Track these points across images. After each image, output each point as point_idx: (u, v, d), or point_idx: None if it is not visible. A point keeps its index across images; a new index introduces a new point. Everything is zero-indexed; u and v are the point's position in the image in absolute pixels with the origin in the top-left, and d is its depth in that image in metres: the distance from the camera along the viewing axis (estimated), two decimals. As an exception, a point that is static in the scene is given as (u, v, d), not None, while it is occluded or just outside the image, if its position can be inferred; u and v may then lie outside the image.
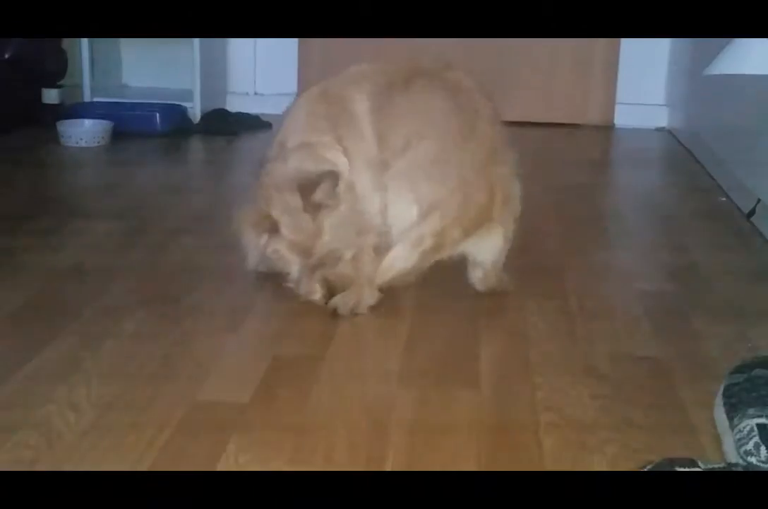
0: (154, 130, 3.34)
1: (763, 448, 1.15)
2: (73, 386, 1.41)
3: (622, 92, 3.75)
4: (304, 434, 1.30)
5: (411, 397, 1.41)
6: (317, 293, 1.71)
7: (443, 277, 1.91)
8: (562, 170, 3.07)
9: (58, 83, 3.43)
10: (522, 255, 1.90)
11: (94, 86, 3.57)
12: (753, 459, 1.15)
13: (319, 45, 3.76)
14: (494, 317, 1.75)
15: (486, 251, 1.79)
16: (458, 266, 1.81)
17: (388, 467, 1.21)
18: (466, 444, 1.27)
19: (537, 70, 3.75)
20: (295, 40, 3.76)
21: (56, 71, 3.44)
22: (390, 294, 1.82)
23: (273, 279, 1.84)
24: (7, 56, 3.18)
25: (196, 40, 3.49)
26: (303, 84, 3.82)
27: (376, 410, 1.37)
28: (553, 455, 1.25)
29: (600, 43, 3.70)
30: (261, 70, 3.87)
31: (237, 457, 1.23)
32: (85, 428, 1.29)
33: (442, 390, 1.44)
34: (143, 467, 1.19)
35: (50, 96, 3.38)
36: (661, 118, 3.72)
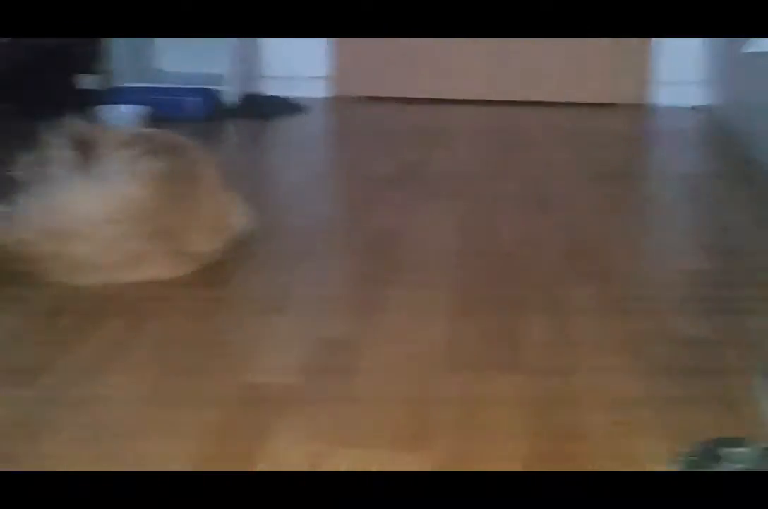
0: (189, 114, 3.35)
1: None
2: (126, 371, 1.43)
3: (659, 70, 3.71)
4: (350, 415, 1.30)
5: (455, 378, 1.41)
6: None
7: (487, 262, 1.92)
8: (599, 150, 3.05)
9: (94, 69, 3.45)
10: (564, 236, 1.90)
11: (130, 72, 3.58)
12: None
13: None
14: (536, 295, 1.75)
15: None
16: (504, 249, 1.81)
17: (432, 451, 1.21)
18: (509, 424, 1.28)
19: (571, 48, 3.72)
20: (328, 22, 3.75)
21: (92, 57, 3.46)
22: (431, 277, 1.83)
23: (313, 258, 1.85)
24: (43, 43, 3.20)
25: (229, 24, 3.48)
26: (336, 68, 3.82)
27: (420, 392, 1.38)
28: (597, 436, 1.25)
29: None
30: (294, 53, 3.86)
31: (284, 438, 1.24)
32: (137, 412, 1.31)
33: (485, 370, 1.44)
34: (195, 453, 1.21)
35: (86, 82, 3.40)
36: (698, 97, 3.68)
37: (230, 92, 3.56)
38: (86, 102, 3.26)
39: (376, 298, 1.73)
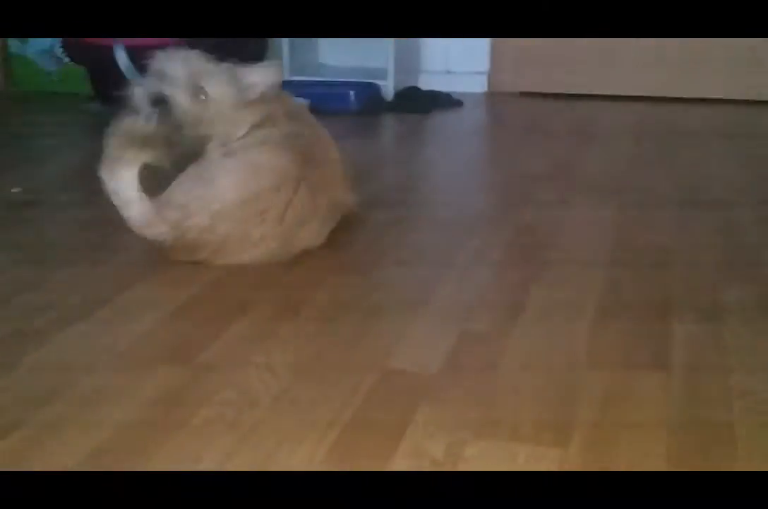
0: (348, 107, 3.42)
1: None
2: (270, 351, 1.48)
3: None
4: (491, 408, 1.31)
5: (599, 378, 1.40)
6: None
7: (638, 260, 1.89)
8: (762, 149, 2.94)
9: (259, 63, 3.56)
10: (722, 238, 1.84)
11: (293, 65, 3.69)
12: None
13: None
14: (687, 295, 1.71)
15: None
16: (657, 249, 1.77)
17: (573, 447, 1.21)
18: (655, 425, 1.25)
19: (733, 43, 3.59)
20: (489, 17, 3.75)
21: (257, 51, 3.57)
22: (581, 273, 1.81)
23: (462, 251, 1.87)
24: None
25: (391, 19, 3.54)
26: (495, 63, 3.82)
27: (562, 389, 1.37)
28: (748, 442, 1.21)
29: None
30: (454, 48, 3.88)
31: (425, 426, 1.25)
32: (281, 390, 1.35)
33: (630, 371, 1.42)
34: (334, 432, 1.24)
35: (251, 75, 3.50)
36: None
37: (390, 86, 3.61)
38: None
39: (523, 294, 1.72)
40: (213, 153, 1.85)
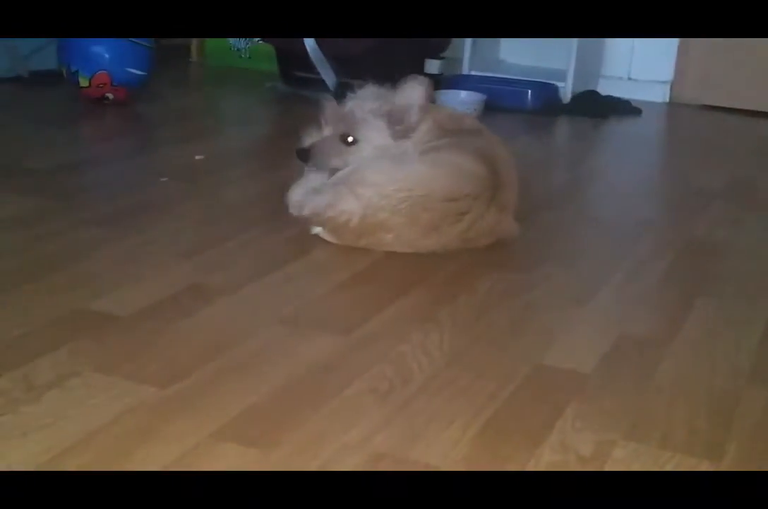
0: (524, 106, 3.41)
1: None
2: (427, 332, 1.51)
3: None
4: (643, 412, 1.29)
5: (759, 394, 1.36)
6: None
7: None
8: None
9: (441, 55, 3.59)
10: None
11: (473, 60, 3.70)
12: None
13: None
14: None
15: None
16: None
17: (726, 461, 1.18)
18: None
19: None
20: (679, 27, 3.66)
21: (440, 44, 3.60)
22: (748, 288, 1.76)
23: (626, 257, 1.85)
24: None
25: (578, 21, 3.51)
26: (680, 73, 3.72)
27: (720, 401, 1.34)
28: None
29: None
30: (638, 55, 3.81)
31: (574, 422, 1.25)
32: (434, 372, 1.38)
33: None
34: (483, 417, 1.25)
35: (432, 67, 3.54)
36: None
37: (568, 88, 3.58)
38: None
39: (687, 303, 1.69)
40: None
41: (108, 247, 1.80)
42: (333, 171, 1.93)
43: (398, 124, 1.93)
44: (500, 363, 1.42)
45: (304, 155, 1.96)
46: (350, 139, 1.94)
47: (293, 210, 1.93)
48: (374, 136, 1.94)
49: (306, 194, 1.91)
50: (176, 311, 1.52)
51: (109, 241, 1.82)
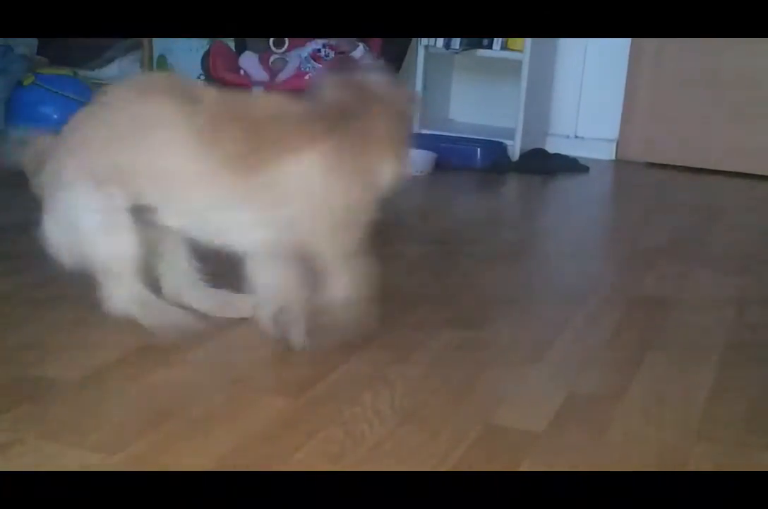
0: (473, 164, 3.46)
1: None
2: (378, 391, 1.50)
3: None
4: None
5: (709, 452, 1.37)
6: None
7: (753, 335, 1.85)
8: None
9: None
10: None
11: (423, 119, 3.75)
12: None
13: (647, 93, 3.73)
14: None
15: None
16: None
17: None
18: None
19: None
20: (622, 87, 3.76)
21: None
22: (696, 344, 1.78)
23: (575, 313, 1.86)
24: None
25: (524, 81, 3.59)
26: (625, 131, 3.81)
27: (670, 459, 1.35)
28: None
29: None
30: (584, 114, 3.89)
31: (525, 483, 1.25)
32: (386, 432, 1.37)
33: (743, 448, 1.38)
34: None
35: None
36: None
37: (517, 146, 3.64)
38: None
39: (637, 358, 1.71)
40: None
41: (55, 309, 1.77)
42: None
43: None
44: (452, 422, 1.42)
45: None
46: None
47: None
48: None
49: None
50: (123, 375, 1.50)
51: (55, 303, 1.80)
